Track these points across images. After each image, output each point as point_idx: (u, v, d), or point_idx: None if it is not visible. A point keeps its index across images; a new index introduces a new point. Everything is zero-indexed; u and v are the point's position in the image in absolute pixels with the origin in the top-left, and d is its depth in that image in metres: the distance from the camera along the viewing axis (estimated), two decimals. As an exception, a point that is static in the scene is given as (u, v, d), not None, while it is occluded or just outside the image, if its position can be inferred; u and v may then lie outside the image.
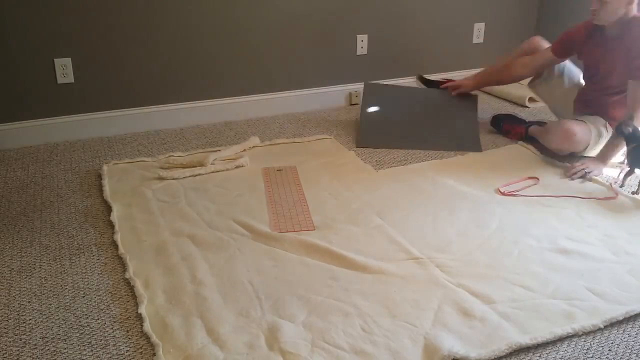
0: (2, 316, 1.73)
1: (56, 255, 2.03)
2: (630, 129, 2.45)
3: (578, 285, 1.85)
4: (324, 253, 2.01)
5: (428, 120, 3.04)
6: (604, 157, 2.64)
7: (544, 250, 2.04)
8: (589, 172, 2.56)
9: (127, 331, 1.67)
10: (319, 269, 1.94)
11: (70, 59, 2.88)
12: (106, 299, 1.80)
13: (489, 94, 3.73)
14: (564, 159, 2.73)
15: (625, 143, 2.51)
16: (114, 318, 1.72)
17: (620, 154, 2.64)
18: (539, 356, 1.58)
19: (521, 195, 2.40)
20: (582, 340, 1.64)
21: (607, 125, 2.72)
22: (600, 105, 2.75)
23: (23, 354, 1.59)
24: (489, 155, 2.83)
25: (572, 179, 2.56)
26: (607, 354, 1.59)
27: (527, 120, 3.07)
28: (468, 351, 1.56)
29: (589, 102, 2.82)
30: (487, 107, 3.51)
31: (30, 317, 1.72)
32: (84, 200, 2.40)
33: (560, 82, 2.94)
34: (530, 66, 2.93)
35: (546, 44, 2.94)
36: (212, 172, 2.61)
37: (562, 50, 2.82)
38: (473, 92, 3.15)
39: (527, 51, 2.97)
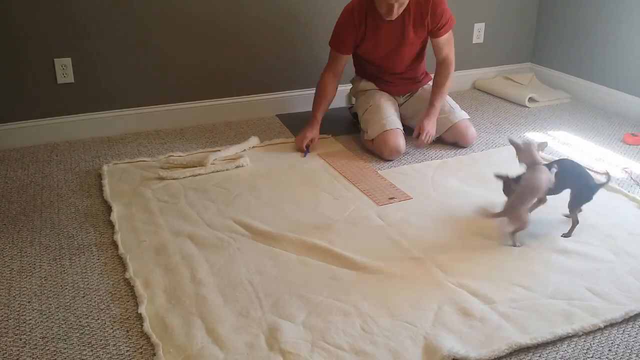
0: (2, 316, 1.73)
1: (56, 255, 2.03)
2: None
3: (578, 285, 1.85)
4: (324, 253, 2.01)
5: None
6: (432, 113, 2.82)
7: (544, 250, 2.04)
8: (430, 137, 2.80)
9: (127, 331, 1.67)
10: (319, 269, 1.94)
11: (70, 59, 2.88)
12: (106, 299, 1.80)
13: (489, 93, 3.73)
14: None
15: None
16: (114, 318, 1.72)
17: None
18: (539, 356, 1.58)
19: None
20: (582, 340, 1.64)
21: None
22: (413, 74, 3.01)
23: (23, 354, 1.59)
24: (489, 155, 2.83)
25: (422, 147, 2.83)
26: (607, 354, 1.59)
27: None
28: (468, 351, 1.56)
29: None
30: (488, 106, 3.51)
31: (30, 317, 1.72)
32: (84, 200, 2.40)
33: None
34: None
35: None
36: (212, 172, 2.61)
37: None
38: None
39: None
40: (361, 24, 2.73)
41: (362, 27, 2.74)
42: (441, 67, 2.91)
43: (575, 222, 2.13)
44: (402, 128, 2.82)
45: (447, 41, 2.86)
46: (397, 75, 2.95)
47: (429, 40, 2.91)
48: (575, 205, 2.13)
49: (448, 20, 2.79)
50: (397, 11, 2.63)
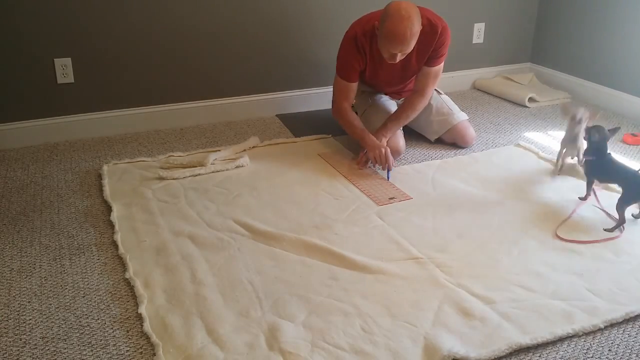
0: (2, 316, 1.73)
1: (56, 255, 2.03)
2: (598, 137, 2.30)
3: (578, 286, 1.85)
4: (324, 253, 2.01)
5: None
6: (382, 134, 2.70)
7: (544, 250, 2.04)
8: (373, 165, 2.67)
9: (127, 331, 1.67)
10: (319, 269, 1.94)
11: (70, 59, 2.88)
12: (106, 299, 1.80)
13: (489, 93, 3.73)
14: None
15: (588, 146, 2.35)
16: (114, 318, 1.72)
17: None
18: (539, 356, 1.58)
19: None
20: (582, 340, 1.64)
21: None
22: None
23: (23, 354, 1.59)
24: (489, 155, 2.83)
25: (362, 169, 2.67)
26: (607, 354, 1.59)
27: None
28: (468, 351, 1.56)
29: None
30: (488, 106, 3.51)
31: (30, 317, 1.72)
32: (84, 200, 2.40)
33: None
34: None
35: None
36: (212, 172, 2.61)
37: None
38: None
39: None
40: (364, 53, 2.65)
41: (365, 56, 2.66)
42: (414, 95, 2.76)
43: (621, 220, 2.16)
44: (401, 128, 2.82)
45: (434, 74, 2.73)
46: (395, 90, 2.95)
47: None
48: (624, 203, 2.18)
49: (444, 54, 2.70)
50: (399, 58, 2.53)
